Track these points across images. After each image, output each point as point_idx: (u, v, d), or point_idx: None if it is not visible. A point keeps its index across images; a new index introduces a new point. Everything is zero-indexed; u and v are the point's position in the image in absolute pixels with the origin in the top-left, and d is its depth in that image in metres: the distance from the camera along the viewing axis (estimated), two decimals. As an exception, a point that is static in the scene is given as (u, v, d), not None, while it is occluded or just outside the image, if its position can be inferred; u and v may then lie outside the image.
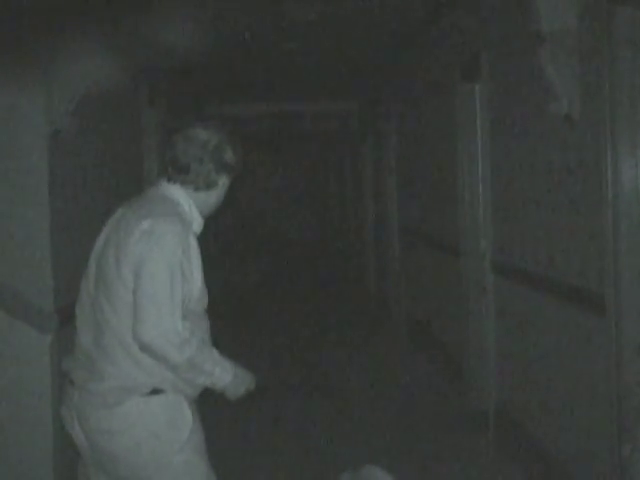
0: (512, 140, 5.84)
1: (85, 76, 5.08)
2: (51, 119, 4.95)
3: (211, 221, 3.51)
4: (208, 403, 3.64)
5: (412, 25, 8.63)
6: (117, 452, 3.17)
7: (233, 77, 11.89)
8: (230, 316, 12.09)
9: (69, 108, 5.02)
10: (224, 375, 3.22)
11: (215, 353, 3.24)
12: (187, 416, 3.23)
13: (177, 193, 3.32)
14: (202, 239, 3.44)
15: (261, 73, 11.58)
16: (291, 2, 7.52)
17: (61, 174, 5.20)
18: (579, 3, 4.57)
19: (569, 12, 4.58)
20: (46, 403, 4.90)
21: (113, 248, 3.18)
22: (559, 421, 5.12)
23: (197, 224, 3.35)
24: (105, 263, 3.20)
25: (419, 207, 9.56)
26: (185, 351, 3.06)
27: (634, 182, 4.18)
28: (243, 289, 15.96)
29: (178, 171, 3.32)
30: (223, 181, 3.39)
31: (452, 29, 7.51)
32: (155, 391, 3.17)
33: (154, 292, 3.04)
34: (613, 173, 4.23)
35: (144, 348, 3.07)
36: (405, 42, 9.50)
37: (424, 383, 8.27)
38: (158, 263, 3.06)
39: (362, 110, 14.74)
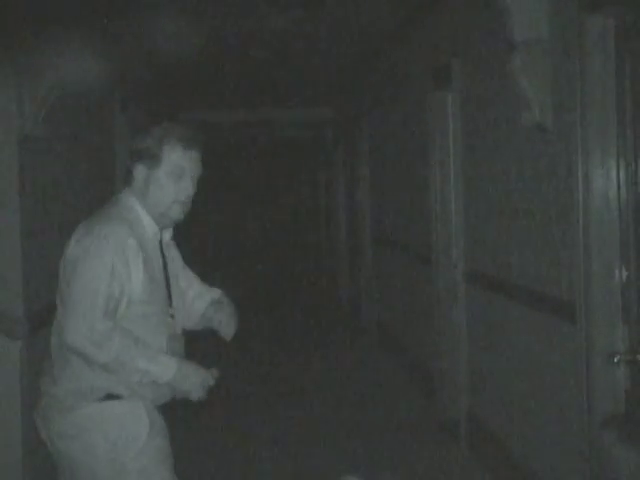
0: (484, 149, 5.86)
1: (57, 81, 5.05)
2: (22, 124, 4.91)
3: (181, 227, 3.48)
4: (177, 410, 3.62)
5: (385, 33, 8.65)
6: (75, 456, 3.18)
7: (207, 83, 11.88)
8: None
9: (40, 113, 4.99)
10: (165, 371, 3.13)
11: (150, 351, 3.13)
12: (144, 422, 3.19)
13: (130, 198, 3.30)
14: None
15: (235, 80, 11.57)
16: (267, 10, 7.52)
17: (32, 179, 5.16)
18: (550, 12, 4.61)
19: (541, 21, 4.62)
20: (16, 409, 4.85)
21: (63, 255, 3.23)
22: (530, 429, 5.14)
23: (150, 227, 3.29)
24: (59, 271, 3.24)
25: (391, 216, 9.58)
26: (107, 349, 3.03)
27: (605, 191, 4.20)
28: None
29: (125, 175, 3.35)
30: (143, 171, 3.25)
31: (424, 37, 7.54)
32: (111, 396, 3.16)
33: (76, 295, 3.06)
34: (584, 182, 4.25)
35: (71, 351, 3.07)
36: (378, 50, 9.53)
37: (395, 391, 8.27)
38: (84, 266, 3.08)
39: (336, 119, 14.76)
